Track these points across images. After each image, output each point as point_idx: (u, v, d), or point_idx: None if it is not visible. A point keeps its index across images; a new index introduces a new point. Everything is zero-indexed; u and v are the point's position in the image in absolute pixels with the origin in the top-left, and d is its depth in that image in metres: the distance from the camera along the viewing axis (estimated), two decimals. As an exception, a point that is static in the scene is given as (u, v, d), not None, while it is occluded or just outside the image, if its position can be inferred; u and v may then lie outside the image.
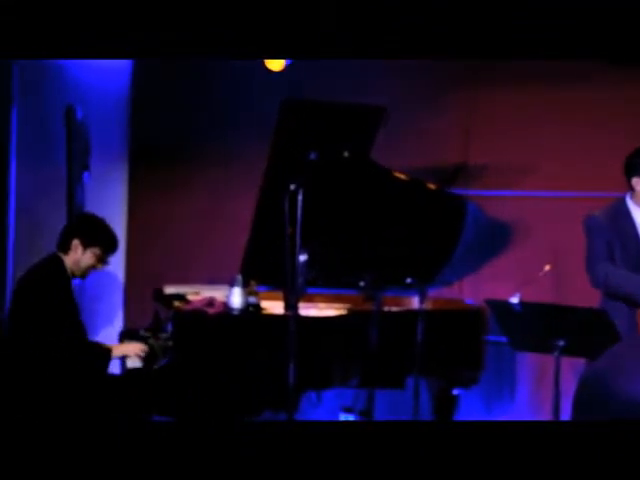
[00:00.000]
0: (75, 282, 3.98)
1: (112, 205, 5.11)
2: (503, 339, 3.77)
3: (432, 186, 4.35)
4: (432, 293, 4.22)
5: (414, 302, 4.14)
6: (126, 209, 5.30)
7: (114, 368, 3.99)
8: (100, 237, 3.89)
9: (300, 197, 3.47)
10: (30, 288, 3.78)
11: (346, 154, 4.04)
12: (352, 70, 4.74)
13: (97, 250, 3.87)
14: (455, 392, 4.16)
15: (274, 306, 4.00)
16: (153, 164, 5.24)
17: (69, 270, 3.86)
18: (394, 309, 4.13)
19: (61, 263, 3.84)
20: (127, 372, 3.92)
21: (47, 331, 3.66)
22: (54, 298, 3.73)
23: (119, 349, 3.87)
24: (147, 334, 4.07)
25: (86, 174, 4.83)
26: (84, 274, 3.91)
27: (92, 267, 3.89)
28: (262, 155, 4.12)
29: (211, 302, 3.92)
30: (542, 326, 3.53)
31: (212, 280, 4.35)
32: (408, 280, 4.04)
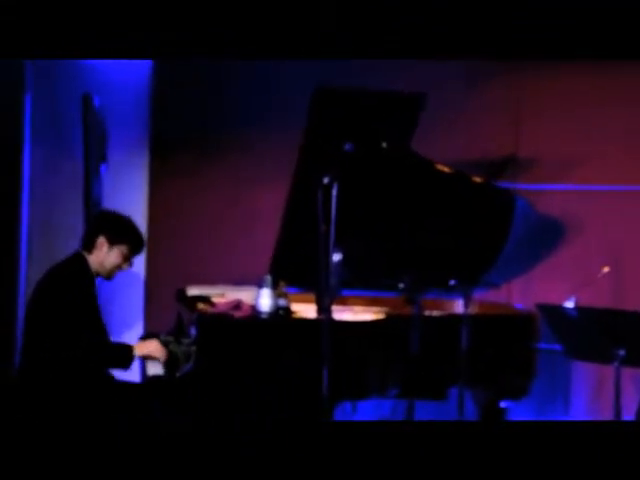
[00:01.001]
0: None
1: (130, 199, 5.10)
2: (557, 347, 3.79)
3: (478, 180, 4.32)
4: (477, 296, 4.15)
5: (458, 306, 4.11)
6: (145, 204, 5.30)
7: (134, 375, 3.94)
8: (127, 235, 3.87)
9: (334, 191, 3.43)
10: (53, 288, 3.75)
11: (384, 145, 4.02)
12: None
13: (124, 248, 3.85)
14: (503, 404, 4.10)
15: (305, 309, 3.95)
16: (174, 155, 5.24)
17: (93, 270, 3.84)
18: (436, 313, 4.08)
19: (85, 262, 3.82)
20: (148, 379, 3.87)
21: (69, 333, 3.63)
22: (77, 299, 3.71)
23: (141, 348, 3.81)
24: (169, 338, 4.02)
25: (103, 166, 4.81)
26: (110, 274, 3.89)
27: (118, 267, 3.87)
28: (291, 146, 4.10)
29: (238, 305, 3.89)
30: (600, 333, 3.49)
31: (238, 281, 4.33)
32: (451, 282, 4.01)
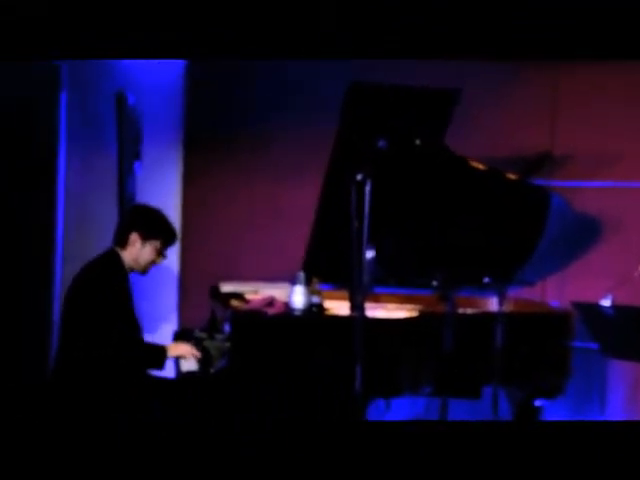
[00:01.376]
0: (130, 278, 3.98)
1: (164, 196, 5.09)
2: (593, 345, 3.72)
3: (512, 176, 4.28)
4: (512, 294, 4.14)
5: (492, 304, 4.11)
6: (179, 201, 5.31)
7: (168, 372, 3.98)
8: (159, 229, 3.88)
9: (368, 188, 3.43)
10: (87, 286, 3.77)
11: (418, 141, 4.00)
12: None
13: (157, 243, 3.86)
14: (538, 403, 4.08)
15: (338, 306, 3.95)
16: (207, 152, 5.25)
17: (127, 266, 3.85)
18: (470, 311, 4.06)
19: (118, 258, 3.83)
20: (182, 376, 3.90)
21: (103, 330, 3.66)
22: (112, 297, 3.73)
23: (174, 350, 3.84)
24: (203, 335, 4.05)
25: (137, 164, 4.84)
26: (145, 269, 3.89)
27: (152, 262, 3.88)
28: (325, 143, 4.08)
29: (271, 302, 3.90)
30: (637, 331, 3.45)
31: (271, 277, 4.33)
32: (485, 279, 3.99)
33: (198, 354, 3.82)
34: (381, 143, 3.66)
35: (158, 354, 3.76)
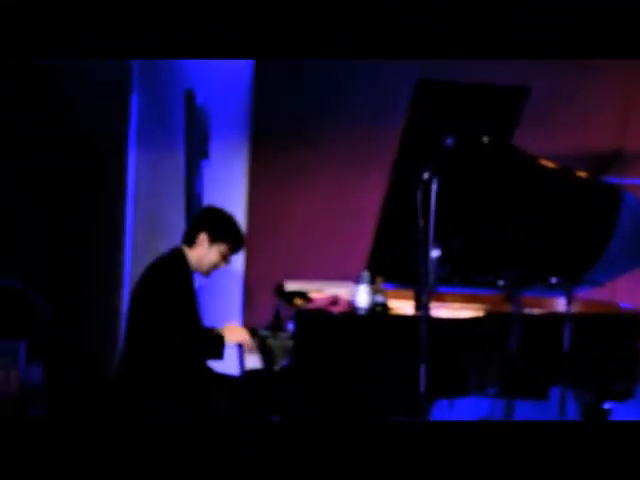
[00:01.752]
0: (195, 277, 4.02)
1: (231, 195, 5.14)
2: None
3: (583, 175, 4.21)
4: (580, 294, 4.10)
5: (559, 304, 4.06)
6: (246, 200, 5.33)
7: (232, 369, 4.03)
8: (228, 233, 3.90)
9: (434, 187, 3.41)
10: (152, 285, 3.81)
11: (485, 140, 3.97)
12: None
13: (223, 248, 3.88)
14: (607, 406, 4.01)
15: (403, 306, 3.94)
16: (274, 152, 5.26)
17: (192, 265, 3.88)
18: (536, 311, 4.02)
19: (184, 258, 3.87)
20: (246, 373, 3.95)
21: (167, 330, 3.70)
22: (176, 295, 3.76)
23: (229, 335, 3.86)
24: (267, 333, 4.09)
25: (205, 162, 4.90)
26: (207, 272, 3.92)
27: (215, 265, 3.90)
28: (391, 142, 4.07)
29: (335, 300, 3.89)
30: None
31: (336, 276, 4.34)
32: (553, 279, 3.93)
33: (252, 343, 3.85)
34: (448, 141, 3.64)
35: (216, 344, 3.79)
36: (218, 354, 3.83)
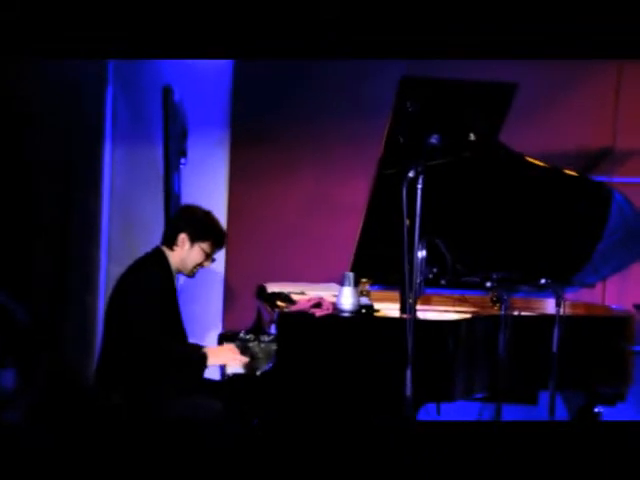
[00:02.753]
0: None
1: (210, 194, 5.12)
2: None
3: (572, 173, 4.23)
4: (570, 296, 4.12)
5: (548, 306, 4.07)
6: (225, 198, 5.33)
7: (214, 374, 3.99)
8: (208, 231, 3.87)
9: (420, 185, 3.40)
10: (132, 286, 3.77)
11: (472, 137, 3.97)
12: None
13: (205, 246, 3.85)
14: (597, 409, 4.03)
15: (388, 308, 3.92)
16: (254, 150, 5.26)
17: (173, 267, 3.85)
18: (525, 313, 4.02)
19: (165, 259, 3.84)
20: (228, 378, 3.91)
21: (147, 331, 3.65)
22: (157, 298, 3.72)
23: (214, 357, 3.77)
24: (248, 337, 4.05)
25: (183, 160, 4.87)
26: (191, 272, 3.89)
27: (199, 264, 3.87)
28: (374, 140, 4.07)
29: (319, 303, 3.86)
30: None
31: (319, 278, 4.34)
32: (542, 280, 3.94)
33: (243, 359, 3.79)
34: (433, 139, 3.63)
35: (197, 365, 3.71)
36: (196, 377, 3.74)
